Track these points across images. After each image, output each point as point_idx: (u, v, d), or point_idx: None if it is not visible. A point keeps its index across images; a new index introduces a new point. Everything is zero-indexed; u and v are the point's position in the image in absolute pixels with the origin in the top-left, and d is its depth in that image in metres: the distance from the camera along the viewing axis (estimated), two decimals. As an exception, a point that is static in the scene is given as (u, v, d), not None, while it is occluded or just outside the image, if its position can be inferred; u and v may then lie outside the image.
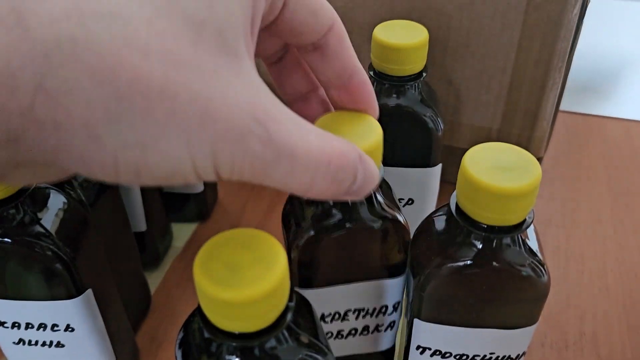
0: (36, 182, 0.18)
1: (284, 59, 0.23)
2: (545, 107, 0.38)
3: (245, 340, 0.19)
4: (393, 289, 0.29)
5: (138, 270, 0.36)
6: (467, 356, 0.27)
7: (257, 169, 0.16)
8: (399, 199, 0.36)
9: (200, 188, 0.42)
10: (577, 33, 0.37)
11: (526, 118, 0.39)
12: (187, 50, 0.15)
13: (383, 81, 0.33)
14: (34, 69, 0.13)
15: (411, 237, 0.27)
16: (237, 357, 0.20)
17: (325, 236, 0.26)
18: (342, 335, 0.30)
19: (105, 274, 0.30)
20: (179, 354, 0.21)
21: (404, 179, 0.36)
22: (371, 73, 0.33)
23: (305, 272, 0.27)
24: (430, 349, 0.27)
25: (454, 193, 0.24)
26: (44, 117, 0.14)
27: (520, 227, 0.23)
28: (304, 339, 0.21)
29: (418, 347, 0.28)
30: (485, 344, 0.27)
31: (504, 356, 0.27)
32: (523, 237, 0.24)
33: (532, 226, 0.26)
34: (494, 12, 0.36)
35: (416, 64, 0.32)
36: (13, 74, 0.13)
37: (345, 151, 0.18)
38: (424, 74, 0.33)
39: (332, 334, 0.30)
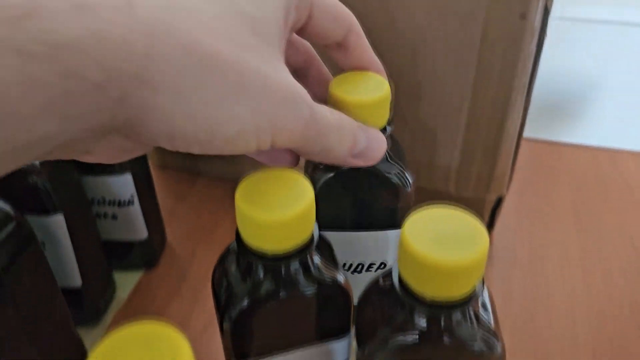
0: (114, 159, 0.21)
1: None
2: (504, 145, 0.37)
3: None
4: (339, 350, 0.27)
5: (69, 331, 0.34)
6: None
7: (305, 130, 0.21)
8: (370, 264, 0.32)
9: (144, 235, 0.39)
10: (535, 68, 0.36)
11: (486, 156, 0.37)
12: (248, 38, 0.20)
13: None
14: (145, 41, 0.17)
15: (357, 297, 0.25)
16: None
17: (260, 306, 0.23)
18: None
19: (21, 341, 0.27)
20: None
21: (376, 243, 0.31)
22: None
23: (241, 343, 0.25)
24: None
25: (396, 262, 0.22)
26: (148, 79, 0.17)
27: (468, 301, 0.21)
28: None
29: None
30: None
31: None
32: (474, 308, 0.22)
33: (488, 297, 0.24)
34: (447, 50, 0.34)
35: (379, 120, 0.27)
36: (130, 43, 0.17)
37: (346, 119, 0.23)
38: (389, 128, 0.28)
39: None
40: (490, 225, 0.44)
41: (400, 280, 0.21)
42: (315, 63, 0.27)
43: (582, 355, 0.36)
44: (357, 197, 0.30)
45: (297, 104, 0.20)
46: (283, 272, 0.23)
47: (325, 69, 0.28)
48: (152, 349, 0.17)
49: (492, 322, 0.23)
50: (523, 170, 0.51)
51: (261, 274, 0.23)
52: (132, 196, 0.36)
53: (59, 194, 0.31)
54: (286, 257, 0.22)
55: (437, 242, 0.20)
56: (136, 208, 0.37)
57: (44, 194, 0.31)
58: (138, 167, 0.37)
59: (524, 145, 0.54)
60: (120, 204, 0.36)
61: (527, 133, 0.54)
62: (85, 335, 0.37)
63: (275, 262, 0.22)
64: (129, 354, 0.17)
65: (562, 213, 0.47)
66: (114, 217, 0.37)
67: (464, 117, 0.36)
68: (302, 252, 0.22)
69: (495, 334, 0.22)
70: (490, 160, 0.37)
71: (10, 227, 0.28)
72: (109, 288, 0.39)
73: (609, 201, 0.48)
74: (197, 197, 0.48)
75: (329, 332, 0.26)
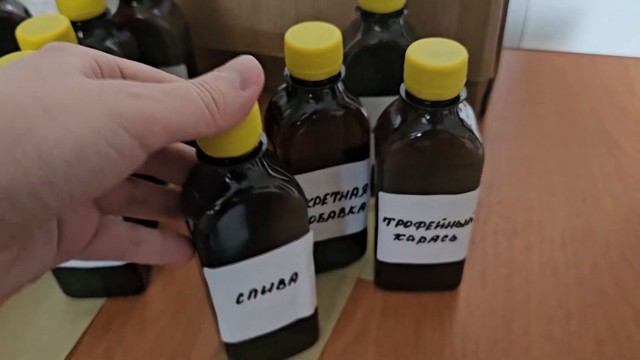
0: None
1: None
2: (490, 30, 0.44)
3: (231, 165, 0.25)
4: (360, 171, 0.35)
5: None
6: (424, 223, 0.33)
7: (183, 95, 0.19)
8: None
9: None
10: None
11: (474, 43, 0.45)
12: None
13: (369, 19, 0.37)
14: None
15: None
16: (227, 178, 0.25)
17: (300, 126, 0.31)
18: (324, 219, 0.36)
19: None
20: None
21: None
22: (358, 13, 0.37)
23: (288, 157, 0.33)
24: (394, 219, 0.33)
25: (403, 83, 0.30)
26: None
27: (456, 101, 0.29)
28: (279, 174, 0.27)
29: (385, 219, 0.34)
30: (438, 210, 0.33)
31: (455, 221, 0.33)
32: (460, 115, 0.30)
33: (472, 114, 0.32)
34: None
35: (398, 2, 0.36)
36: None
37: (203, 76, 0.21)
38: (405, 11, 0.37)
39: (315, 218, 0.36)
40: (482, 111, 0.52)
41: (406, 92, 0.29)
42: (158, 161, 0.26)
43: (556, 199, 0.45)
44: (380, 68, 0.38)
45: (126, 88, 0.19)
46: (317, 96, 0.31)
47: (173, 148, 0.27)
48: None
49: (475, 131, 0.31)
50: (513, 74, 0.59)
51: (301, 99, 0.31)
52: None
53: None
54: (320, 84, 0.30)
55: (431, 56, 0.28)
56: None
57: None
58: (190, 60, 0.45)
59: (514, 54, 0.62)
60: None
61: (521, 44, 0.61)
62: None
63: (313, 87, 0.30)
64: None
65: (544, 103, 0.55)
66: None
67: (455, 12, 0.44)
68: (334, 80, 0.30)
69: (478, 138, 0.30)
70: (479, 46, 0.45)
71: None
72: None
73: (586, 96, 0.56)
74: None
75: (352, 155, 0.34)
